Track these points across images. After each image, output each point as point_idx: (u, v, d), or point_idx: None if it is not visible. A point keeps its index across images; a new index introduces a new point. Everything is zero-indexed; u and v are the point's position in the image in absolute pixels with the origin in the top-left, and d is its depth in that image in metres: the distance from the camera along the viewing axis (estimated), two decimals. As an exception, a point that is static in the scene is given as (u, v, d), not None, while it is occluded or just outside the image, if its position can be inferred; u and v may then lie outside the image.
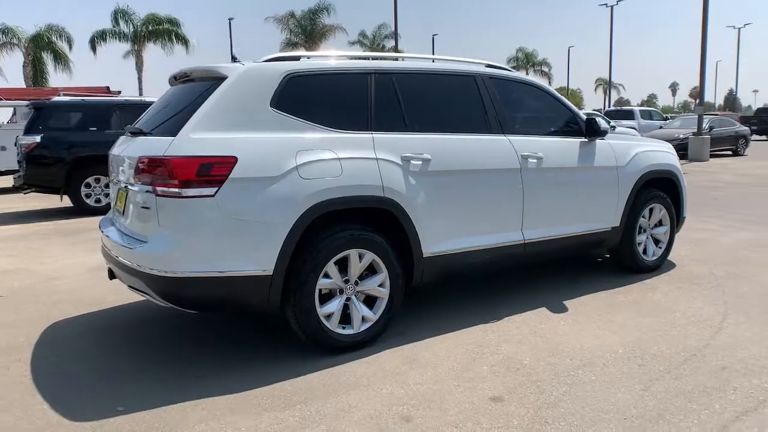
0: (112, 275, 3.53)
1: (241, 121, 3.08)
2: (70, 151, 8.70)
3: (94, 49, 32.24)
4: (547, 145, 4.15)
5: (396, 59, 3.89)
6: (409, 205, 3.43)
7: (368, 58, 3.77)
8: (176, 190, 2.86)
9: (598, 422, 2.52)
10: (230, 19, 42.02)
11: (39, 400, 2.84)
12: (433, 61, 4.18)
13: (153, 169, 2.94)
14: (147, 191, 3.00)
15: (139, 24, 32.90)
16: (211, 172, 2.90)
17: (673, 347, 3.32)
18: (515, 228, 3.99)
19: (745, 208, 8.20)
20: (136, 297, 4.42)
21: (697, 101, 19.33)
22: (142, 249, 2.98)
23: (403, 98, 3.61)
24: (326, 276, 3.22)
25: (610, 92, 51.44)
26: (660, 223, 5.00)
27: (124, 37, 32.94)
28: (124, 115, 9.30)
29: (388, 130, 3.49)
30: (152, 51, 35.30)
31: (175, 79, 3.74)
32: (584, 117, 4.46)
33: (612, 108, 34.63)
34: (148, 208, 3.00)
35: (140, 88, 33.18)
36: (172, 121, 3.16)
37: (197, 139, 2.95)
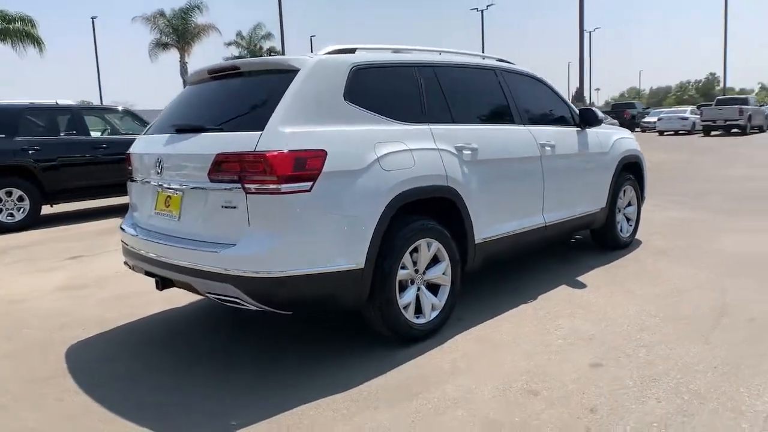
0: (164, 285, 3.24)
1: (320, 113, 3.01)
2: (-26, 163, 7.65)
3: (-76, 48, 28.15)
4: (555, 134, 4.46)
5: (440, 53, 3.96)
6: (465, 193, 3.54)
7: (411, 51, 3.81)
8: (274, 186, 2.73)
9: (696, 373, 2.82)
10: (93, 18, 39.00)
11: (135, 429, 2.56)
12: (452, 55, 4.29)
13: (241, 166, 2.78)
14: (231, 189, 2.82)
15: (-17, 22, 29.27)
16: (306, 166, 2.81)
17: (699, 308, 3.74)
18: (538, 212, 4.25)
19: (661, 190, 9.11)
20: (143, 313, 4.11)
21: (577, 100, 21.27)
22: (232, 251, 2.79)
23: (446, 90, 3.71)
24: (403, 267, 3.24)
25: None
26: (629, 204, 5.54)
27: (-34, 36, 29.16)
28: (35, 120, 8.39)
29: (439, 121, 3.58)
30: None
31: (210, 74, 3.50)
32: (576, 108, 4.86)
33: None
34: (234, 207, 2.82)
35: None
36: (247, 116, 3.00)
37: (288, 132, 2.83)
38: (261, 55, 44.61)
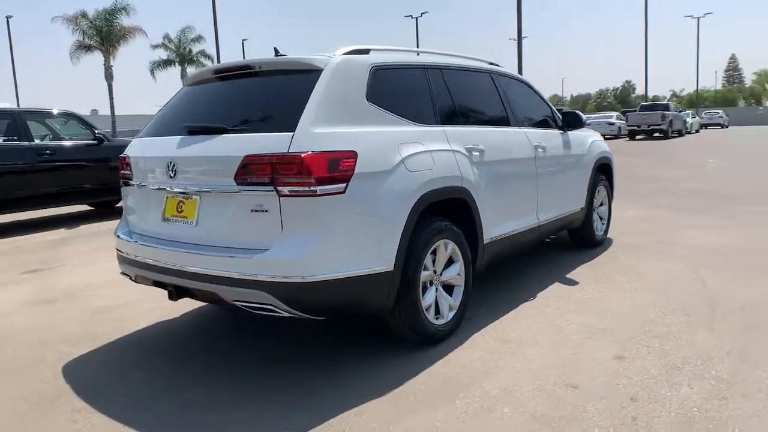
0: (179, 295, 3.08)
1: (347, 114, 2.96)
2: None
3: None
4: (544, 136, 4.60)
5: (446, 55, 3.98)
6: (477, 194, 3.58)
7: (419, 53, 3.82)
8: (310, 188, 2.65)
9: (714, 360, 2.97)
10: (8, 17, 36.55)
11: (178, 442, 2.42)
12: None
13: (273, 168, 2.68)
14: (262, 192, 2.72)
15: None
16: (339, 167, 2.75)
17: (690, 299, 3.95)
18: (533, 211, 4.36)
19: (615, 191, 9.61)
20: (134, 326, 3.88)
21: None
22: (265, 256, 2.69)
23: (452, 92, 3.75)
24: (424, 268, 3.24)
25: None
26: (602, 203, 5.79)
27: None
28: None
29: (449, 122, 3.61)
30: None
31: (216, 74, 3.37)
32: (557, 111, 5.03)
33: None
34: (265, 210, 2.72)
35: None
36: (272, 117, 2.90)
37: (320, 133, 2.76)
38: (192, 59, 43.35)
